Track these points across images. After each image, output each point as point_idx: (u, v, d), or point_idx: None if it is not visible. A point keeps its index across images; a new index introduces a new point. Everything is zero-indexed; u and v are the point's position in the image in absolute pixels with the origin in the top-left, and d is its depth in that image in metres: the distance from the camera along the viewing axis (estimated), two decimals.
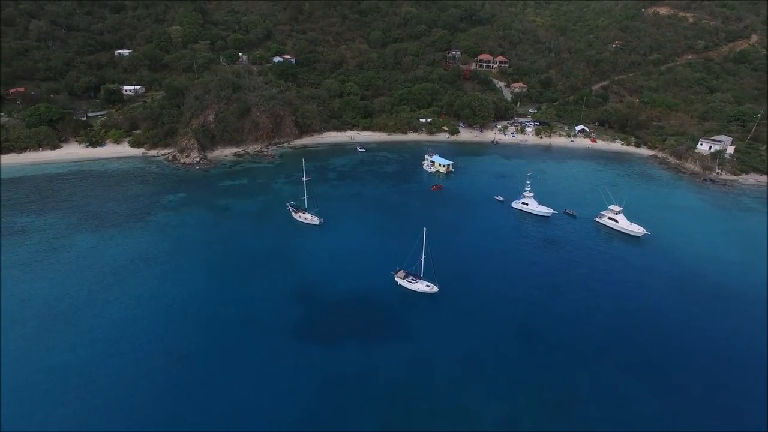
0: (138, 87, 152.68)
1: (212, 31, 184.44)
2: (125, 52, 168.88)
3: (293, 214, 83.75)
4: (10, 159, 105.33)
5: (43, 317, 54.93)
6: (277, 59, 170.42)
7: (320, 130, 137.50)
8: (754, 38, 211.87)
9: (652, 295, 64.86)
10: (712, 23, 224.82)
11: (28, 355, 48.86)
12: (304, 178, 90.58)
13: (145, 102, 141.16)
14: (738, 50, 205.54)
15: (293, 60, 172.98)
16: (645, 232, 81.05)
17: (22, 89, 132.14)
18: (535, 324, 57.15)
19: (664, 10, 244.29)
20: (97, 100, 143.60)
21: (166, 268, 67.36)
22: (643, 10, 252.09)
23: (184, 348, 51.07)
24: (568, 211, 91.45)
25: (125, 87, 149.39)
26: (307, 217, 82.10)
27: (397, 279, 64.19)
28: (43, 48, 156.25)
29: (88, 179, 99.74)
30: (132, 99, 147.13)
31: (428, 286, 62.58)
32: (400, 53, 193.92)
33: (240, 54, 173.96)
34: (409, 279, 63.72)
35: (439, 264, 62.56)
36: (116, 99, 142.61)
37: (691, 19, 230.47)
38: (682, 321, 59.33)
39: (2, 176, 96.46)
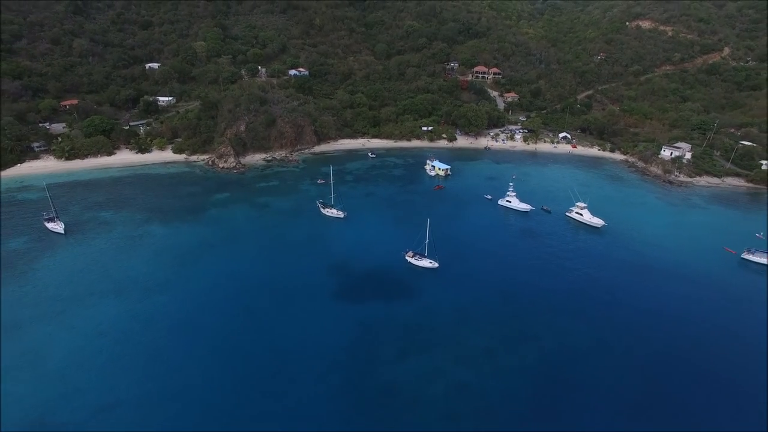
0: (170, 98, 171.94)
1: (233, 45, 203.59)
2: (155, 65, 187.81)
3: (322, 209, 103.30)
4: (77, 164, 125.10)
5: (144, 283, 74.61)
6: (292, 72, 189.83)
7: (335, 138, 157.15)
8: (726, 51, 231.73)
9: (601, 268, 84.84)
10: (688, 37, 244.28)
11: (143, 304, 68.95)
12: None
13: (178, 112, 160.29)
14: (710, 62, 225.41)
15: (307, 72, 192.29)
16: (603, 223, 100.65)
17: (75, 102, 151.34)
18: (511, 288, 77.02)
19: (646, 24, 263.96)
20: (136, 110, 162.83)
21: (226, 251, 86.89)
22: (627, 23, 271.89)
23: (255, 305, 70.63)
24: (544, 208, 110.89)
25: (160, 98, 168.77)
26: (334, 212, 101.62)
27: (407, 257, 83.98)
28: (84, 63, 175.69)
29: (145, 181, 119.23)
30: (166, 109, 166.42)
31: (431, 262, 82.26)
32: (403, 65, 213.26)
33: (259, 67, 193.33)
34: (416, 257, 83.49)
35: (439, 246, 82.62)
36: (153, 110, 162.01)
37: (669, 33, 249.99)
38: (617, 284, 79.54)
39: (76, 180, 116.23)
